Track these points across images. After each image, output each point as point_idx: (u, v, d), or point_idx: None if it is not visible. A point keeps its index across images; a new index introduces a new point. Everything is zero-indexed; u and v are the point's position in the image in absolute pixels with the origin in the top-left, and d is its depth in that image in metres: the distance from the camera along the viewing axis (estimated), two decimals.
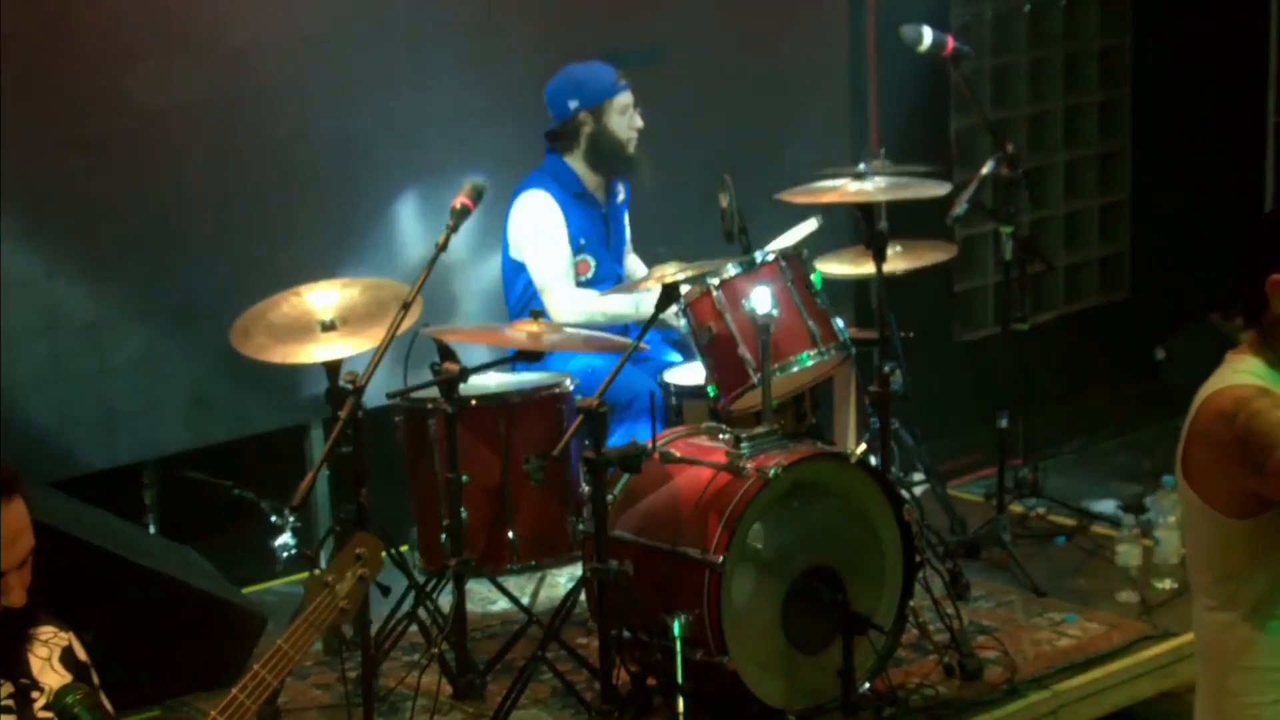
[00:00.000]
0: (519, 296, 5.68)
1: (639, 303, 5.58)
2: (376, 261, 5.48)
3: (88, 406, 5.55)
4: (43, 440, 5.42)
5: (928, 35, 5.85)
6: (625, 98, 5.66)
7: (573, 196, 5.70)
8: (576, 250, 5.68)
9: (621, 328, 5.65)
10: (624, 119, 5.67)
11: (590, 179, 5.74)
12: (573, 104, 5.65)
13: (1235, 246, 3.22)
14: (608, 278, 5.73)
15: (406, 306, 4.77)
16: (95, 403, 5.57)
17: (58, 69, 5.40)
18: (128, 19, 5.51)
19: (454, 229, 4.84)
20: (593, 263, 5.71)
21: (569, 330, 5.34)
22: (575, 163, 5.72)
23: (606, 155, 5.69)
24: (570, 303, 5.59)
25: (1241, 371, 3.07)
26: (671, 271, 4.96)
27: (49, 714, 2.76)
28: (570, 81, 5.68)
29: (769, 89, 6.78)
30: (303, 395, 5.51)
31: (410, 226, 5.72)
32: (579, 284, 5.69)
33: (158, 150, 5.62)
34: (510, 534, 5.10)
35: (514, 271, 5.71)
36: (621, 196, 5.87)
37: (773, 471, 4.66)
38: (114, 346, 5.60)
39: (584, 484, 4.85)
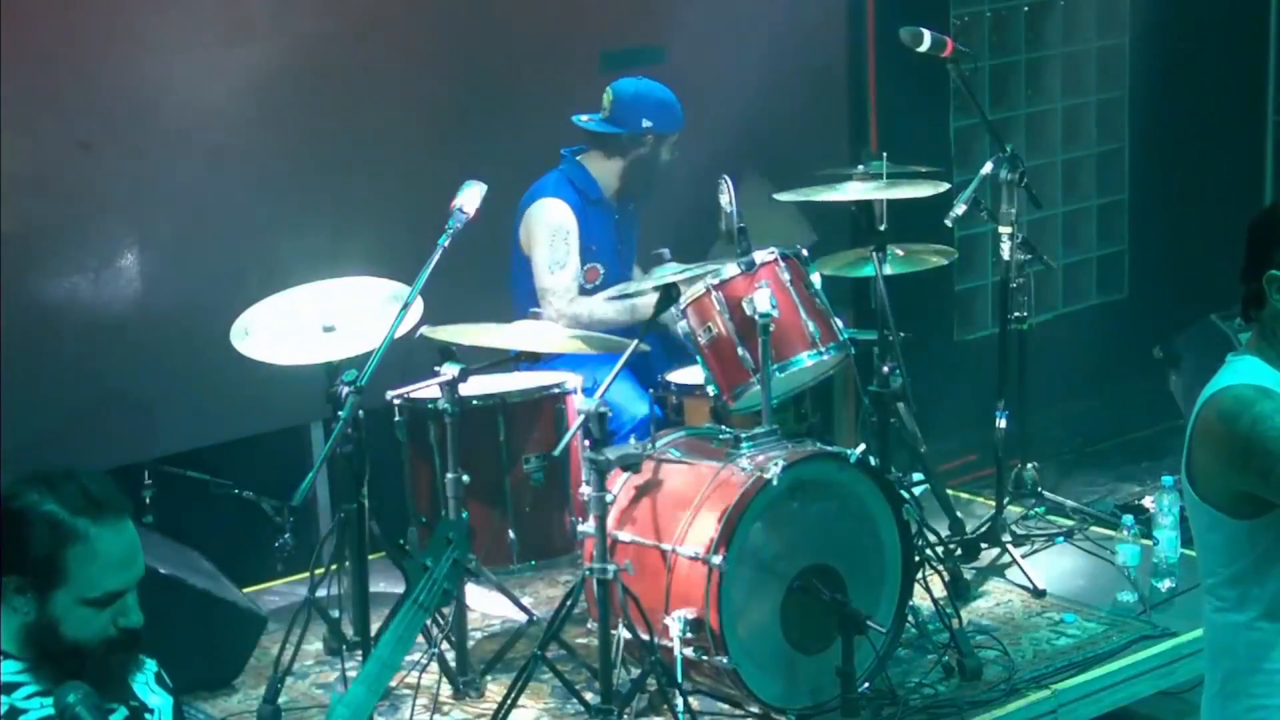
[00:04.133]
0: (526, 296, 5.67)
1: (635, 308, 5.59)
2: (377, 262, 5.47)
3: (88, 406, 5.54)
4: (42, 440, 5.42)
5: (927, 36, 5.84)
6: (677, 137, 5.74)
7: (588, 203, 5.70)
8: (586, 257, 5.67)
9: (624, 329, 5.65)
10: (669, 155, 5.75)
11: (610, 187, 5.75)
12: (647, 123, 5.69)
13: (1235, 246, 3.21)
14: (615, 285, 5.71)
15: (407, 307, 4.79)
16: (95, 403, 5.56)
17: (58, 69, 5.38)
18: (129, 19, 5.51)
19: (454, 230, 4.85)
20: (601, 270, 5.71)
21: (570, 331, 5.35)
22: (601, 169, 5.72)
23: (642, 178, 5.74)
24: (568, 311, 5.58)
25: (1242, 372, 3.07)
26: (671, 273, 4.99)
27: None
28: (655, 102, 5.71)
29: (769, 89, 6.72)
30: (303, 395, 5.47)
31: (411, 227, 5.70)
32: (585, 290, 5.68)
33: (157, 150, 5.60)
34: (510, 534, 5.09)
35: (523, 271, 5.70)
36: (633, 205, 5.88)
37: (772, 471, 4.68)
38: (114, 346, 5.59)
39: (584, 484, 4.84)
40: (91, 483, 2.70)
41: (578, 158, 5.75)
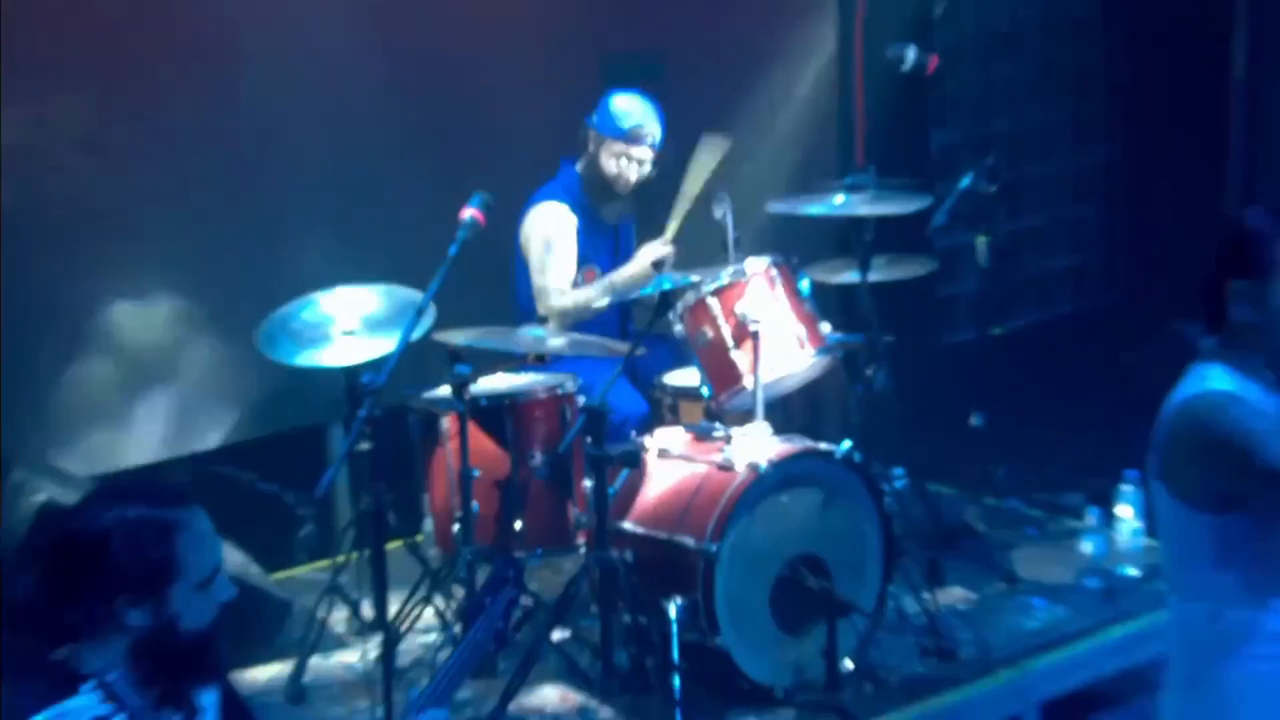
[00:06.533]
0: (528, 301, 5.72)
1: (613, 284, 5.62)
2: (392, 270, 5.51)
3: (113, 407, 5.63)
4: (65, 435, 5.53)
5: (911, 55, 5.91)
6: (623, 147, 5.64)
7: (582, 207, 5.73)
8: (582, 260, 5.72)
9: (618, 325, 5.74)
10: (613, 162, 5.65)
11: None
12: (592, 119, 5.69)
13: (1207, 255, 3.26)
14: None
15: (421, 312, 4.90)
16: (129, 403, 5.66)
17: (60, 66, 5.36)
18: (134, 20, 5.50)
19: (464, 240, 4.94)
20: (598, 272, 5.76)
21: (573, 336, 5.36)
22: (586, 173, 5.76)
23: (589, 180, 5.71)
24: (557, 305, 5.63)
25: (1211, 379, 3.15)
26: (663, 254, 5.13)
27: None
28: (606, 102, 5.68)
29: (761, 105, 6.81)
30: (323, 396, 5.55)
31: (425, 236, 5.68)
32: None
33: (171, 152, 5.61)
34: (518, 524, 5.12)
35: (524, 276, 5.76)
36: (628, 214, 5.90)
37: (763, 467, 4.80)
38: (123, 348, 5.66)
39: (586, 478, 4.97)
40: (151, 479, 2.78)
41: (575, 166, 5.79)
